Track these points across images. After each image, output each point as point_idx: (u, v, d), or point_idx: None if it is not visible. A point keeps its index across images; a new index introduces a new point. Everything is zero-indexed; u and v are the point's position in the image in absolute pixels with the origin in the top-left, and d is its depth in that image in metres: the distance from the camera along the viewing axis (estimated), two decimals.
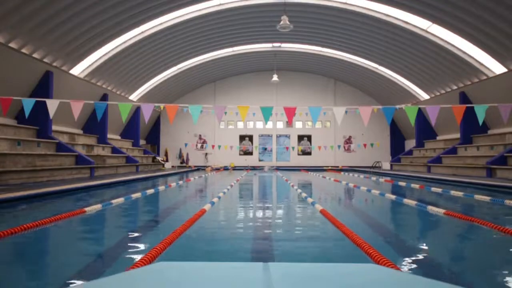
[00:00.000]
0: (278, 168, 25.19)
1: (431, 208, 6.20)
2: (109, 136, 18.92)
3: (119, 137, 21.56)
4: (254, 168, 25.46)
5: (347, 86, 27.40)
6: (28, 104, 8.32)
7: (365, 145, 22.30)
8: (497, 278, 2.91)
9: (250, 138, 27.83)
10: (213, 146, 24.17)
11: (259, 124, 27.52)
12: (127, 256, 3.56)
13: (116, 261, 3.47)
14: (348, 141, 27.57)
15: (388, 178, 15.30)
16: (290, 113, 8.69)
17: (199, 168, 25.14)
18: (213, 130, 27.50)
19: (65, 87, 14.70)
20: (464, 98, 17.27)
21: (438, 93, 19.73)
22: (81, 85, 16.17)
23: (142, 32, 16.18)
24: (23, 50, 11.91)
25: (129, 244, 4.06)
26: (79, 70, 15.65)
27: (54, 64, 13.72)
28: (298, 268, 1.82)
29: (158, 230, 5.00)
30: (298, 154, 27.62)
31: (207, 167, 25.47)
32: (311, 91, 27.20)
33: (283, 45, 22.17)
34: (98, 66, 16.28)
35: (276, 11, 15.78)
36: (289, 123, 27.02)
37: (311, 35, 19.37)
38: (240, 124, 27.78)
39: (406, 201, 7.38)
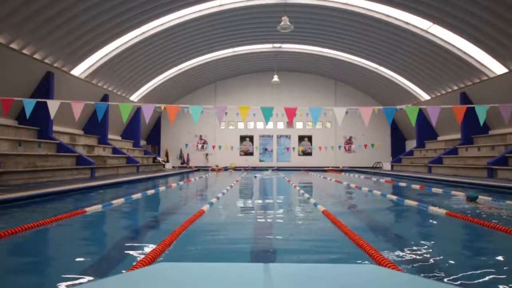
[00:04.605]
0: (278, 169, 25.19)
1: (432, 209, 6.20)
2: (109, 136, 18.93)
3: (119, 138, 21.57)
4: (254, 168, 25.46)
5: (348, 86, 27.40)
6: (29, 104, 8.33)
7: (365, 145, 22.28)
8: (498, 278, 2.90)
9: (251, 138, 27.83)
10: (213, 147, 24.17)
11: (260, 125, 27.52)
12: (127, 256, 3.56)
13: (116, 262, 3.47)
14: (349, 141, 27.56)
15: (389, 179, 15.28)
16: (291, 113, 8.69)
17: (199, 169, 25.15)
18: (214, 131, 27.51)
19: (66, 87, 14.72)
20: (465, 98, 17.25)
21: (438, 94, 19.71)
22: (82, 86, 16.19)
23: (143, 33, 16.20)
24: (24, 51, 11.94)
25: (129, 245, 4.06)
26: (80, 70, 15.67)
27: (55, 65, 13.74)
28: (298, 268, 1.82)
29: (159, 231, 5.00)
30: (299, 155, 27.61)
31: (215, 166, 25.54)
32: (311, 91, 27.19)
33: (284, 45, 22.17)
34: (99, 67, 16.30)
35: (277, 11, 15.78)
36: (290, 124, 27.02)
37: (311, 35, 19.37)
38: (241, 125, 27.78)
39: (407, 201, 7.37)
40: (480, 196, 7.96)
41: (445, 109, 9.40)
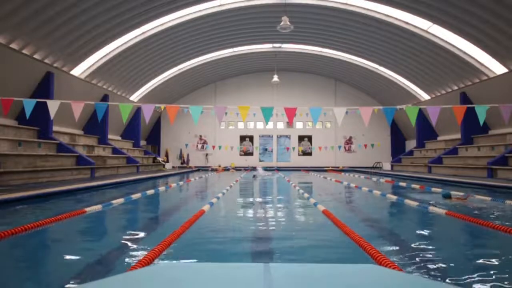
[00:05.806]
0: (278, 169, 25.19)
1: (432, 209, 6.20)
2: (109, 136, 18.92)
3: (119, 138, 21.57)
4: (254, 168, 25.47)
5: (348, 86, 27.39)
6: (29, 104, 8.33)
7: (365, 145, 22.28)
8: (498, 278, 2.90)
9: (251, 138, 27.82)
10: (213, 147, 24.17)
11: (260, 125, 27.52)
12: (127, 256, 3.56)
13: (116, 262, 3.47)
14: (349, 141, 27.55)
15: (389, 179, 15.28)
16: (291, 113, 8.69)
17: (199, 169, 25.14)
18: (214, 131, 27.50)
19: (66, 87, 14.71)
20: (464, 98, 17.25)
21: (438, 94, 19.71)
22: (82, 86, 16.18)
23: (143, 33, 16.20)
24: (24, 51, 11.93)
25: (129, 245, 4.06)
26: (80, 70, 15.66)
27: (55, 65, 13.74)
28: (298, 268, 1.82)
29: (159, 231, 5.00)
30: (299, 155, 27.60)
31: (218, 166, 25.53)
32: (311, 91, 27.19)
33: (284, 45, 22.17)
34: (99, 67, 16.30)
35: (277, 11, 15.78)
36: (290, 124, 27.01)
37: (311, 35, 19.37)
38: (241, 125, 27.78)
39: (407, 201, 7.37)
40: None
41: (445, 109, 9.40)
